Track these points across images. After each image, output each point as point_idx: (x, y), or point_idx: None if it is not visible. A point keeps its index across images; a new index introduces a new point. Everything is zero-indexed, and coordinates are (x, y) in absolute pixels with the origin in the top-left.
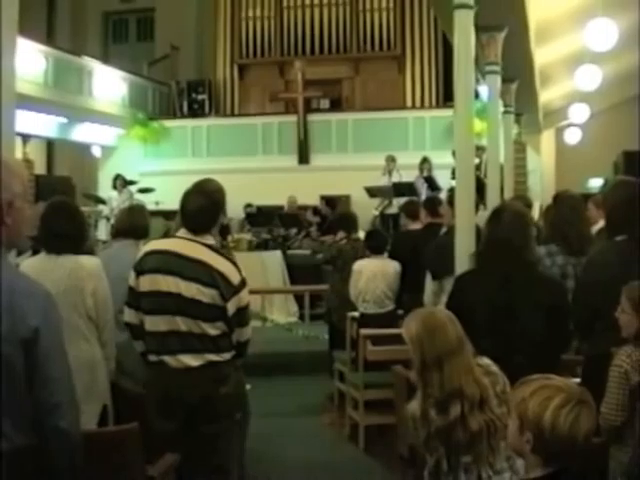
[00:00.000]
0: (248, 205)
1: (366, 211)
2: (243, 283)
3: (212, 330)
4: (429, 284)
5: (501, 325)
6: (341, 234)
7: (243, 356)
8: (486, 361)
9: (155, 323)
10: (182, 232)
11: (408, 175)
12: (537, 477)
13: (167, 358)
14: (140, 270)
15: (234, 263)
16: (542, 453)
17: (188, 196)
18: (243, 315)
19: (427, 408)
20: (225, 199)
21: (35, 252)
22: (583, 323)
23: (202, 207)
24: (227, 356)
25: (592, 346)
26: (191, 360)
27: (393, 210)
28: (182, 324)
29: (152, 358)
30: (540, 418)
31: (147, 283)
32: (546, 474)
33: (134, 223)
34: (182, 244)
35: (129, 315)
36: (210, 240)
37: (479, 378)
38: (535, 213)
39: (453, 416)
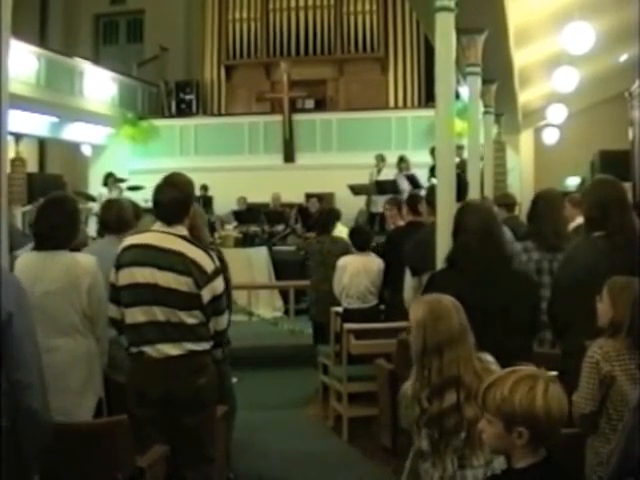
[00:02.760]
0: (241, 198)
1: (350, 209)
2: (217, 272)
3: (189, 319)
4: (408, 280)
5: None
6: (311, 233)
7: (221, 345)
8: (488, 358)
9: (133, 315)
10: (157, 225)
11: (389, 173)
12: (528, 465)
13: (146, 348)
14: (118, 265)
15: (207, 252)
16: (537, 441)
17: (160, 189)
18: (219, 303)
19: (420, 391)
20: (194, 191)
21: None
22: (560, 318)
23: (174, 199)
24: (206, 346)
25: (569, 341)
26: (170, 349)
27: (378, 208)
28: (160, 314)
29: (132, 350)
30: (532, 409)
31: (125, 276)
32: (535, 462)
33: (121, 217)
34: (157, 237)
35: (112, 311)
36: (183, 231)
37: (478, 370)
38: (516, 211)
39: (448, 403)
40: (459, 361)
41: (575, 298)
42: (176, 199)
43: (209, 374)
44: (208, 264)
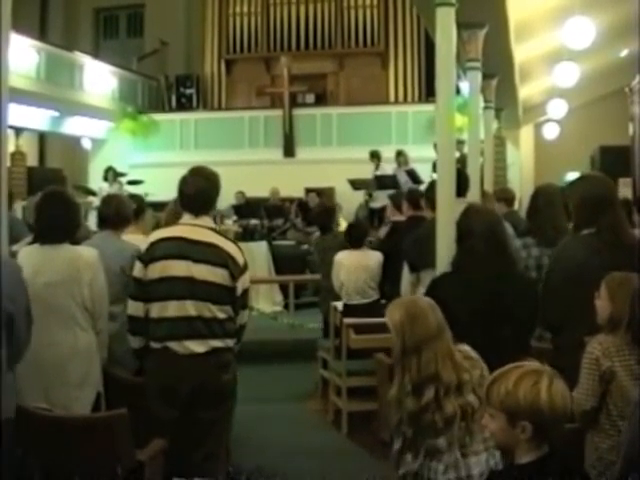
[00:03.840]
0: (239, 192)
1: (350, 203)
2: (246, 265)
3: (221, 314)
4: (406, 275)
5: (480, 324)
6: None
7: (240, 340)
8: (465, 347)
9: (164, 309)
10: (185, 219)
11: (390, 168)
12: (532, 461)
13: (172, 344)
14: (149, 259)
15: (237, 245)
16: (541, 436)
17: (186, 180)
18: (246, 297)
19: (401, 394)
20: (220, 183)
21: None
22: (551, 316)
23: (202, 188)
24: (230, 343)
25: (561, 338)
26: (196, 346)
27: (377, 204)
28: (192, 308)
29: (155, 345)
30: (536, 404)
31: (158, 270)
32: (538, 458)
33: (120, 212)
34: (188, 230)
35: (134, 308)
36: (211, 223)
37: (458, 362)
38: (516, 205)
39: (425, 400)
40: (437, 358)
41: (565, 296)
42: (203, 189)
43: (232, 370)
44: (240, 256)
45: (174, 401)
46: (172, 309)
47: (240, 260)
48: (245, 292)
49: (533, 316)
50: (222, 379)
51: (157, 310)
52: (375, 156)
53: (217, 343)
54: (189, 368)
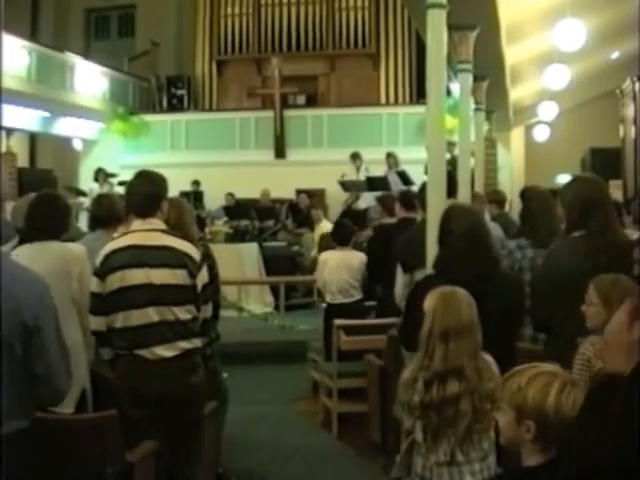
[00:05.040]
0: (229, 194)
1: (340, 205)
2: (202, 259)
3: (184, 315)
4: (400, 276)
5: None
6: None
7: (208, 335)
8: (490, 359)
9: (127, 319)
10: (135, 225)
11: (380, 170)
12: (538, 465)
13: (141, 351)
14: (104, 272)
15: (190, 241)
16: (545, 439)
17: (132, 183)
18: (206, 292)
19: (418, 376)
20: (167, 184)
21: (22, 242)
22: (539, 319)
23: (148, 192)
24: (198, 343)
25: (550, 341)
26: (165, 351)
27: (361, 205)
28: (155, 314)
29: (123, 352)
30: (543, 405)
31: (116, 281)
32: (545, 462)
33: (112, 211)
34: (140, 236)
35: (95, 322)
36: (161, 224)
37: (480, 368)
38: (507, 207)
39: (450, 393)
40: (464, 353)
41: (553, 298)
42: (150, 192)
43: (201, 373)
44: (195, 253)
45: (142, 402)
46: (135, 318)
47: (196, 257)
48: (205, 287)
49: (518, 315)
50: (190, 382)
51: (120, 321)
52: (356, 157)
53: (185, 344)
54: (155, 373)
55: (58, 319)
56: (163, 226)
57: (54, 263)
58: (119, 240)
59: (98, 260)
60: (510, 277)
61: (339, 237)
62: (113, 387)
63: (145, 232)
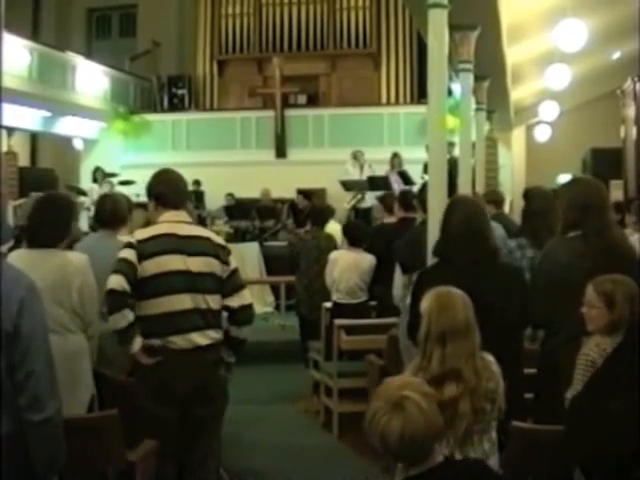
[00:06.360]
0: (229, 194)
1: (342, 204)
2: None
3: (215, 304)
4: (398, 277)
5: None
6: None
7: (249, 323)
8: (490, 358)
9: (164, 304)
10: (167, 216)
11: (381, 170)
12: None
13: (176, 338)
14: (140, 256)
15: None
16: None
17: (163, 177)
18: (239, 276)
19: (416, 376)
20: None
21: (18, 241)
22: (537, 319)
23: (183, 186)
24: (221, 335)
25: (547, 341)
26: (200, 338)
27: (366, 204)
28: (189, 301)
29: (154, 342)
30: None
31: (152, 266)
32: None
33: (115, 211)
34: (174, 226)
35: (115, 280)
36: (189, 218)
37: (479, 367)
38: (506, 208)
39: (447, 395)
40: (461, 355)
41: (550, 298)
42: (184, 187)
43: (223, 366)
44: (222, 240)
45: (170, 399)
46: (172, 303)
47: (225, 244)
48: (236, 270)
49: (522, 309)
50: (218, 374)
51: (154, 307)
52: (355, 157)
53: (213, 334)
54: (188, 364)
55: (46, 326)
56: (190, 219)
57: (50, 275)
58: (153, 228)
59: (133, 240)
60: (511, 267)
61: (352, 238)
62: (116, 386)
63: (178, 223)
